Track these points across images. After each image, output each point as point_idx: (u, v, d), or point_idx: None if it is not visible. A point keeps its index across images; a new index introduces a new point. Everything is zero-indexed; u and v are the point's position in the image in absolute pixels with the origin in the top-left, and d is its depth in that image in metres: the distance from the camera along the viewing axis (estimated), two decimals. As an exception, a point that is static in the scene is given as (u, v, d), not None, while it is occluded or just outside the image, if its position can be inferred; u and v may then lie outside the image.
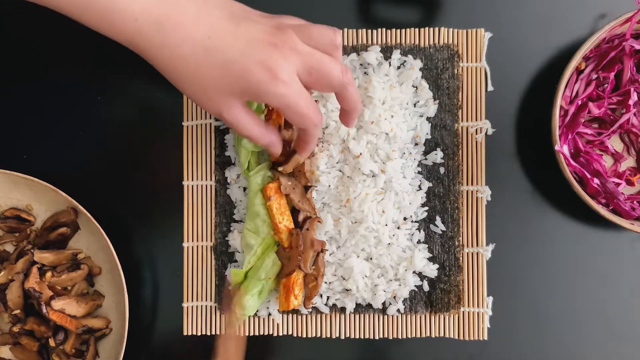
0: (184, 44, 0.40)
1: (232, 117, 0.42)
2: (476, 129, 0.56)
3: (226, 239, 0.56)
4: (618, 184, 0.54)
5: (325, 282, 0.54)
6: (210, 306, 0.56)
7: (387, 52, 0.55)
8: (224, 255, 0.56)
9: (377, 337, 0.56)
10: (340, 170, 0.54)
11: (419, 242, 0.55)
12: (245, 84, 0.40)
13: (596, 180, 0.53)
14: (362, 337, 0.56)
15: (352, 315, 0.56)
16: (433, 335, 0.56)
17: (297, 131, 0.49)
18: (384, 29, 0.56)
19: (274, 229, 0.53)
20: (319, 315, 0.56)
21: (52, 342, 0.54)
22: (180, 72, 0.41)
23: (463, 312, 0.55)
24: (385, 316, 0.56)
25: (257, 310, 0.55)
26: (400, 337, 0.56)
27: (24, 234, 0.57)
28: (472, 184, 0.56)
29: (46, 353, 0.56)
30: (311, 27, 0.43)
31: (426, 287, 0.55)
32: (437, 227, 0.55)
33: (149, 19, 0.39)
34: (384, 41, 0.56)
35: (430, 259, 0.55)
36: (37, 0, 0.40)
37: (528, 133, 0.56)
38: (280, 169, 0.51)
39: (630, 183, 0.55)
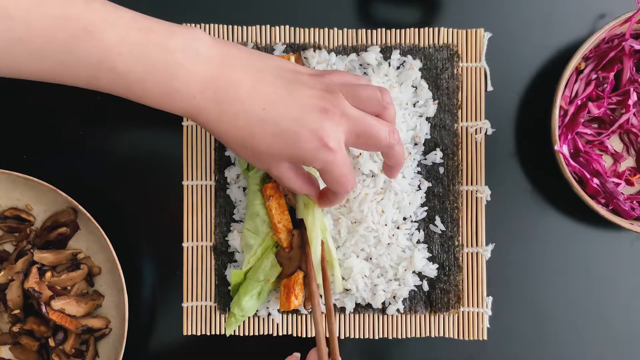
0: (239, 117, 0.41)
1: (278, 173, 0.44)
2: (476, 129, 0.56)
3: (226, 239, 0.56)
4: (618, 184, 0.54)
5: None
6: (210, 306, 0.56)
7: (386, 52, 0.55)
8: (223, 255, 0.56)
9: (376, 337, 0.56)
10: (339, 170, 0.54)
11: (418, 242, 0.55)
12: (295, 150, 0.42)
13: (596, 180, 0.53)
14: (361, 337, 0.56)
15: (352, 315, 0.56)
16: (433, 335, 0.56)
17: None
18: (383, 29, 0.56)
19: (273, 229, 0.53)
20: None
21: (51, 342, 0.54)
22: (236, 141, 0.42)
23: (462, 312, 0.55)
24: (385, 316, 0.56)
25: (257, 311, 0.55)
26: (399, 337, 0.56)
27: (23, 234, 0.57)
28: (471, 184, 0.56)
29: (46, 353, 0.56)
30: (360, 88, 0.44)
31: (426, 287, 0.55)
32: (437, 227, 0.55)
33: (207, 97, 0.41)
34: (384, 41, 0.56)
35: (429, 259, 0.55)
36: (91, 86, 0.40)
37: (528, 133, 0.56)
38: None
39: (629, 183, 0.55)
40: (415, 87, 0.55)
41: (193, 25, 0.56)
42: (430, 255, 0.55)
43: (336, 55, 0.55)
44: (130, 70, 0.39)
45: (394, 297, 0.55)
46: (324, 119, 0.41)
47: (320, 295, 0.54)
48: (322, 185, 0.50)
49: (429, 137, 0.55)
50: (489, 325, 0.56)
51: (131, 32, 0.39)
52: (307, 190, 0.47)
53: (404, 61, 0.55)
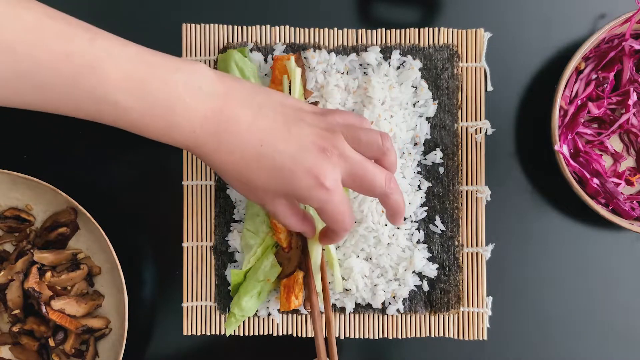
0: (236, 151, 0.41)
1: (273, 209, 0.44)
2: (476, 129, 0.56)
3: (226, 239, 0.56)
4: (617, 184, 0.54)
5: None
6: (210, 306, 0.56)
7: (386, 52, 0.55)
8: (223, 255, 0.56)
9: (376, 337, 0.56)
10: (339, 170, 0.54)
11: (418, 242, 0.55)
12: (290, 187, 0.42)
13: (596, 180, 0.53)
14: (361, 337, 0.56)
15: (352, 315, 0.56)
16: (433, 335, 0.56)
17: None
18: (383, 29, 0.56)
19: (272, 229, 0.53)
20: (318, 315, 0.56)
21: (51, 342, 0.54)
22: (232, 174, 0.42)
23: (463, 312, 0.55)
24: (385, 316, 0.56)
25: (257, 311, 0.55)
26: (399, 337, 0.56)
27: (23, 234, 0.57)
28: (471, 184, 0.56)
29: (46, 353, 0.56)
30: (361, 131, 0.43)
31: (426, 287, 0.55)
32: (437, 227, 0.55)
33: (207, 131, 0.41)
34: (384, 41, 0.56)
35: (429, 259, 0.55)
36: (94, 118, 0.41)
37: (528, 133, 0.56)
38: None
39: (629, 183, 0.55)
40: (415, 87, 0.55)
41: (194, 25, 0.56)
42: (430, 255, 0.55)
43: (336, 55, 0.55)
44: (133, 105, 0.39)
45: (394, 297, 0.55)
46: (322, 159, 0.41)
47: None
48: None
49: (429, 137, 0.55)
50: (489, 325, 0.56)
51: (135, 67, 0.39)
52: (302, 228, 0.46)
53: (404, 61, 0.55)
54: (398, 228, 0.54)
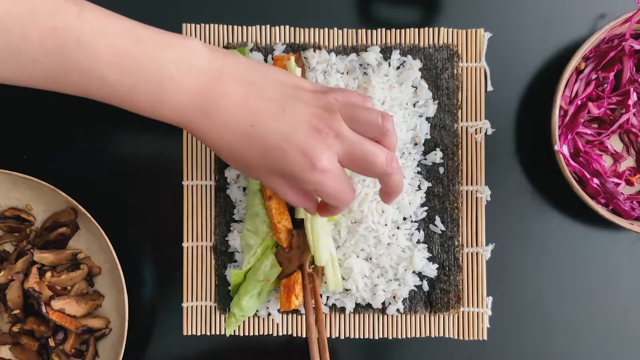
0: (227, 129, 0.41)
1: (270, 185, 0.43)
2: (476, 129, 0.56)
3: (226, 239, 0.56)
4: (617, 184, 0.54)
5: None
6: (210, 306, 0.56)
7: (386, 52, 0.55)
8: (223, 255, 0.56)
9: (376, 337, 0.56)
10: (339, 170, 0.54)
11: (418, 242, 0.55)
12: (283, 167, 0.41)
13: (596, 180, 0.53)
14: (361, 337, 0.56)
15: (352, 315, 0.56)
16: (433, 335, 0.56)
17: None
18: (383, 29, 0.56)
19: (272, 229, 0.53)
20: (318, 315, 0.56)
21: (51, 342, 0.54)
22: (224, 150, 0.42)
23: (463, 312, 0.55)
24: (385, 316, 0.56)
25: (257, 311, 0.55)
26: (399, 337, 0.56)
27: (23, 234, 0.57)
28: (471, 184, 0.56)
29: (46, 353, 0.56)
30: (360, 110, 0.42)
31: (426, 287, 0.55)
32: (437, 227, 0.55)
33: (196, 108, 0.40)
34: (384, 41, 0.56)
35: (429, 259, 0.55)
36: (84, 94, 0.40)
37: (528, 133, 0.56)
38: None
39: (629, 183, 0.55)
40: (415, 87, 0.55)
41: (194, 25, 0.56)
42: (430, 255, 0.55)
43: (336, 55, 0.55)
44: (121, 81, 0.39)
45: (394, 297, 0.55)
46: (316, 140, 0.40)
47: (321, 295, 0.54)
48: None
49: (429, 137, 0.55)
50: (489, 325, 0.56)
51: (124, 43, 0.38)
52: (302, 204, 0.45)
53: (404, 61, 0.55)
54: (398, 228, 0.54)
